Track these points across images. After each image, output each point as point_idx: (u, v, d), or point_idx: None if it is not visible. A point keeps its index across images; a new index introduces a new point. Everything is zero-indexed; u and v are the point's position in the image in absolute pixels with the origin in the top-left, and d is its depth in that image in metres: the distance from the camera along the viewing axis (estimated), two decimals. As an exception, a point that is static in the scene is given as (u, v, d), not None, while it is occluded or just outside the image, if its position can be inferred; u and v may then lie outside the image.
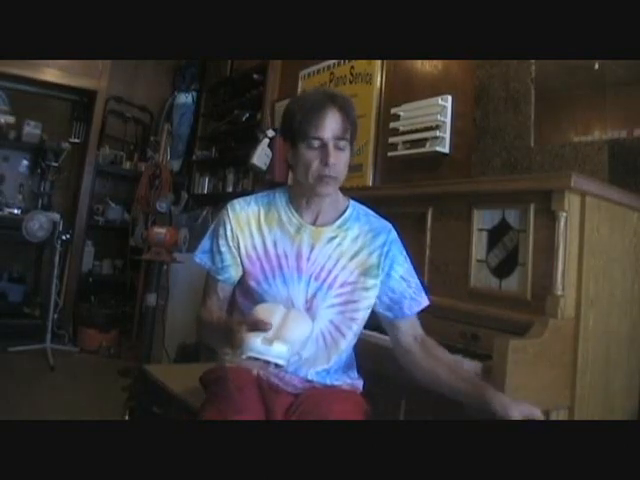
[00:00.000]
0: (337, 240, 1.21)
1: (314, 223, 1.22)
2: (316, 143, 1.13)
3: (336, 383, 1.24)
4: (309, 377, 1.21)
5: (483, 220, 1.46)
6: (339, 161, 1.15)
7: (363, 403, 1.24)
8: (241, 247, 1.21)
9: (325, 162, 1.13)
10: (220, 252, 1.22)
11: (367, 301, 1.22)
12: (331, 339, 1.21)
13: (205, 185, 4.29)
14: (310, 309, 1.17)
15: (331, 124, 1.13)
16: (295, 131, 1.15)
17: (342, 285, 1.19)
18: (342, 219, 1.23)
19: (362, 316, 1.22)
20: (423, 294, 1.26)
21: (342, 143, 1.15)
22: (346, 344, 1.23)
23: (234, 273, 1.23)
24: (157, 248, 2.89)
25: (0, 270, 4.17)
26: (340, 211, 1.25)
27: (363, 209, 1.29)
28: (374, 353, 1.38)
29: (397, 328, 1.24)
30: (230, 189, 3.88)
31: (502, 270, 1.39)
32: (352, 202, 1.28)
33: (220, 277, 1.24)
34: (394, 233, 1.27)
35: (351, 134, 1.18)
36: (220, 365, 1.28)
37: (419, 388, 1.30)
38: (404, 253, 1.26)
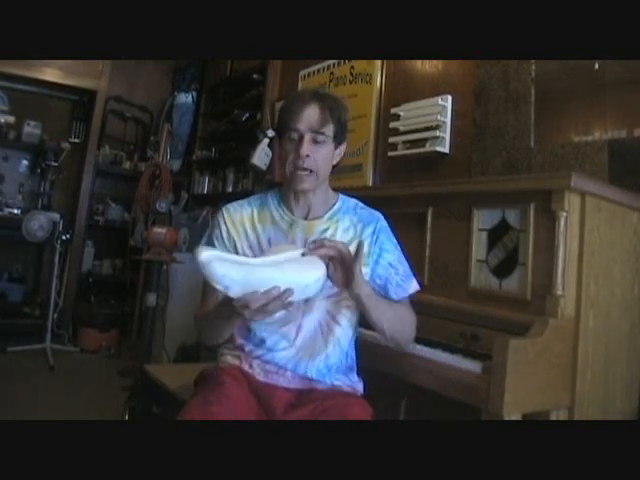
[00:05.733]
0: (330, 231, 1.24)
1: (306, 218, 1.25)
2: (294, 135, 1.18)
3: (336, 383, 1.23)
4: (309, 374, 1.21)
5: (483, 220, 1.46)
6: (315, 155, 1.17)
7: (370, 408, 1.20)
8: (238, 247, 1.24)
9: (297, 154, 1.16)
10: None
11: None
12: (327, 328, 1.22)
13: (205, 185, 4.28)
14: (307, 301, 1.17)
15: (308, 117, 1.17)
16: (280, 125, 1.21)
17: None
18: (332, 211, 1.27)
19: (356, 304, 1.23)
20: (412, 280, 1.28)
21: (320, 137, 1.18)
22: (341, 331, 1.23)
23: None
24: (157, 248, 2.88)
25: (0, 270, 4.17)
26: (330, 205, 1.28)
27: (352, 201, 1.32)
28: (374, 352, 1.38)
29: None
30: (230, 189, 3.88)
31: (502, 270, 1.39)
32: (341, 196, 1.31)
33: None
34: (383, 222, 1.29)
35: (336, 132, 1.21)
36: (214, 365, 1.29)
37: (419, 388, 1.31)
38: (393, 240, 1.29)
